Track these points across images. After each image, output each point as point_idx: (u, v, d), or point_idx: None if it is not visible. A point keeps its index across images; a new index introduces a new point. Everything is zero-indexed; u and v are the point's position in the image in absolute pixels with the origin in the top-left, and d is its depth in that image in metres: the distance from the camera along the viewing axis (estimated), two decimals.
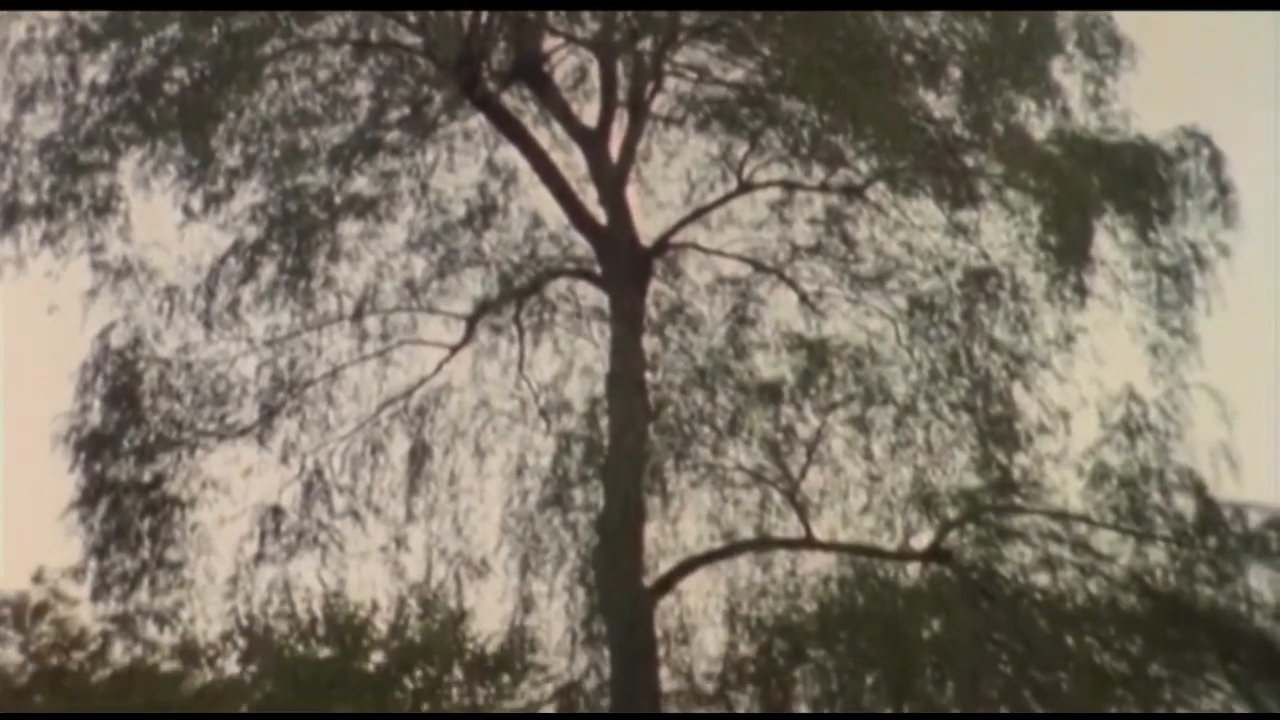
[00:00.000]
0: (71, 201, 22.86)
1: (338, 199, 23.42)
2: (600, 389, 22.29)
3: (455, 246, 23.44)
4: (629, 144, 23.02)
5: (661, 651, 22.45)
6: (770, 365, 22.23)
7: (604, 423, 21.90)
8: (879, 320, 22.10)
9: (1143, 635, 21.45)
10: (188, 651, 31.33)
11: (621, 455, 21.15)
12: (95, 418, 23.49)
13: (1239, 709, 21.46)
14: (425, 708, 32.84)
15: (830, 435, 21.88)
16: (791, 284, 22.75)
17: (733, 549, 22.33)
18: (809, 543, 22.15)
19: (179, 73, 22.26)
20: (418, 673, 33.47)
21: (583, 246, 23.15)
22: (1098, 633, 21.67)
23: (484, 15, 21.08)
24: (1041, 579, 21.67)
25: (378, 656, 33.76)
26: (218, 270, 23.24)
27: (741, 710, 23.29)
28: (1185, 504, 21.09)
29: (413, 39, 22.47)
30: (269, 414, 23.48)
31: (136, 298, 23.44)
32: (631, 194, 23.05)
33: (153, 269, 23.31)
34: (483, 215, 23.47)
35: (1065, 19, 22.21)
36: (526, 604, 21.91)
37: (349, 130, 23.46)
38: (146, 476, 23.44)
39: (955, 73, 21.50)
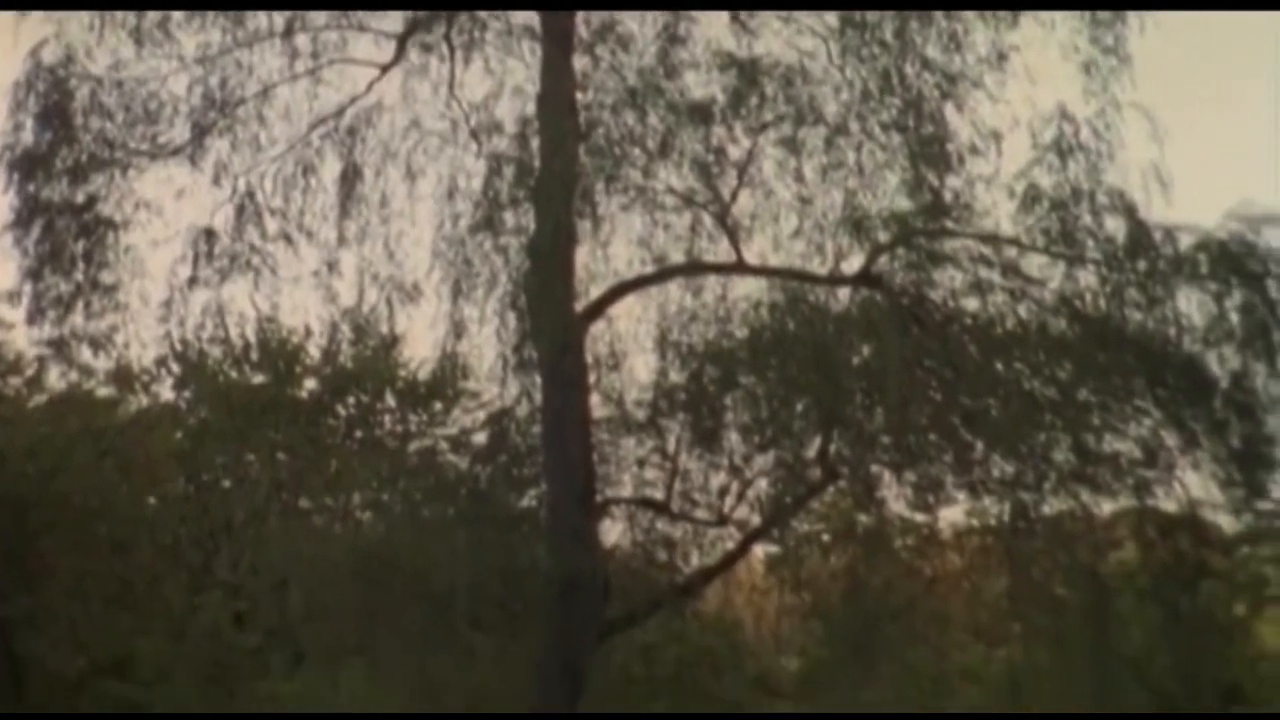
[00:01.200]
0: None
1: None
2: (531, 109, 21.92)
3: None
4: None
5: (592, 377, 22.52)
6: (701, 85, 21.62)
7: (535, 144, 21.59)
8: (810, 39, 21.49)
9: (1072, 360, 21.25)
10: (123, 376, 31.40)
11: (552, 177, 20.96)
12: (28, 137, 23.45)
13: (1166, 434, 21.39)
14: (358, 435, 33.05)
15: (761, 156, 21.41)
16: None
17: (664, 273, 22.07)
18: (740, 267, 21.89)
19: None
20: (350, 399, 33.67)
21: None
22: (1027, 358, 21.52)
23: None
24: (971, 303, 21.41)
25: (310, 383, 33.92)
26: None
27: (673, 437, 23.25)
28: (1116, 226, 20.78)
29: None
30: (200, 133, 23.33)
31: (67, 14, 23.13)
32: None
33: None
34: None
35: None
36: (458, 329, 21.80)
37: None
38: (80, 197, 23.47)
39: None
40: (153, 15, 22.97)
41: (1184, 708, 24.51)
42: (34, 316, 23.79)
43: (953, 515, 23.16)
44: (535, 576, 22.70)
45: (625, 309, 22.43)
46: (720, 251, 21.81)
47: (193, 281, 23.13)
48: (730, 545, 23.75)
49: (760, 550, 24.99)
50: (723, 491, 23.37)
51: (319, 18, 23.01)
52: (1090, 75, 20.45)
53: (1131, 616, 23.54)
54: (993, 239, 21.21)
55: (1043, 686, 26.04)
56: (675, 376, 22.85)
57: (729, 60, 21.58)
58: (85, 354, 25.52)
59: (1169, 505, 21.92)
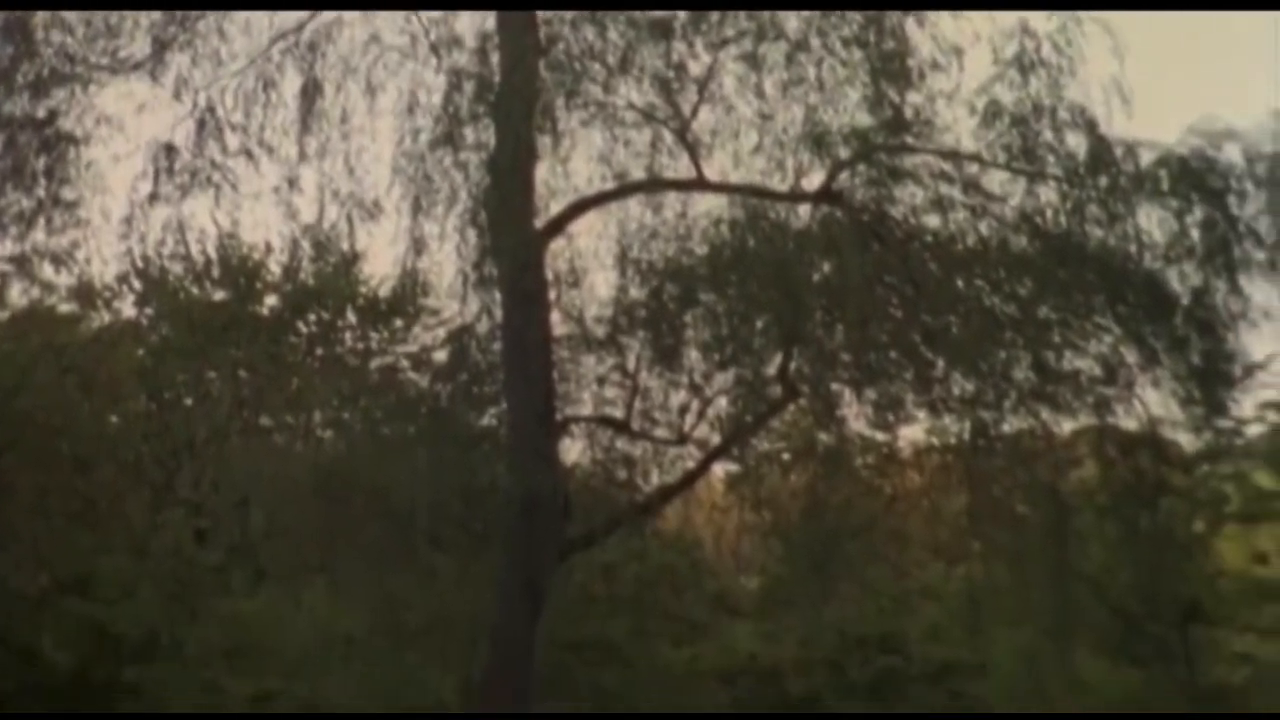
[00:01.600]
0: None
1: None
2: (491, 24, 21.73)
3: None
4: None
5: (553, 294, 22.44)
6: None
7: (495, 59, 21.39)
8: None
9: (1032, 277, 21.19)
10: (84, 293, 31.36)
11: (512, 92, 20.79)
12: None
13: (1127, 352, 21.38)
14: (319, 352, 33.00)
15: (721, 72, 21.27)
16: None
17: (624, 190, 21.98)
18: (700, 183, 21.82)
19: None
20: (311, 316, 33.61)
21: None
22: (988, 275, 21.43)
23: None
24: (932, 220, 21.32)
25: (271, 300, 33.87)
26: None
27: (633, 355, 23.21)
28: (1077, 142, 20.66)
29: None
30: (161, 48, 23.07)
31: None
32: None
33: None
34: None
35: None
36: (418, 246, 21.60)
37: None
38: (41, 112, 23.18)
39: None
40: None
41: (1144, 624, 24.58)
42: None
43: (913, 433, 23.16)
44: (495, 495, 22.66)
45: (585, 225, 22.41)
46: (680, 168, 21.72)
47: (153, 197, 22.95)
48: (690, 464, 23.73)
49: (720, 469, 24.96)
50: (683, 409, 23.35)
51: None
52: None
53: (1091, 534, 23.62)
54: (953, 155, 21.11)
55: (1002, 604, 26.17)
56: (635, 293, 22.83)
57: None
58: (47, 270, 25.46)
59: (1129, 423, 21.92)
